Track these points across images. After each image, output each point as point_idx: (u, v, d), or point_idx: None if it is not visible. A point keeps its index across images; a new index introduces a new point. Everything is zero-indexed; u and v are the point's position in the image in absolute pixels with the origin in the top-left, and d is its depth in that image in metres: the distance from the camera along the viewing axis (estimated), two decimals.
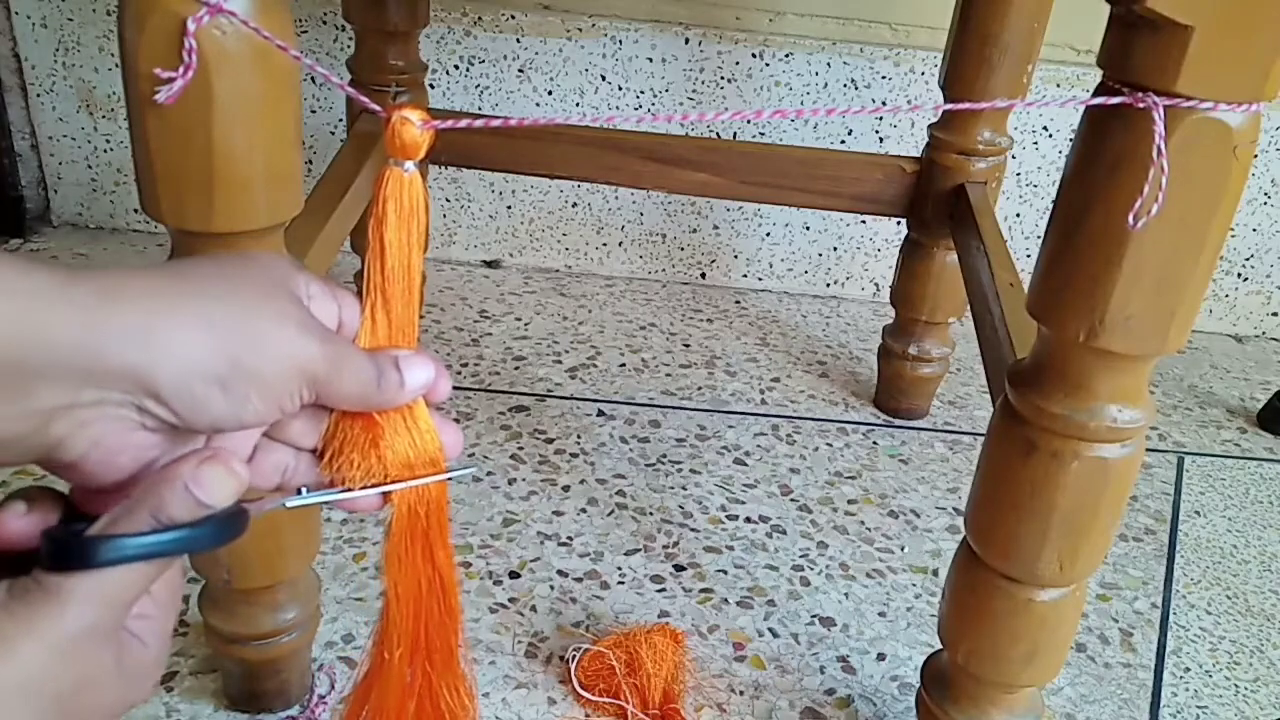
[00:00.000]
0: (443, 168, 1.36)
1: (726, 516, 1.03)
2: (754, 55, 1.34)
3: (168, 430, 0.34)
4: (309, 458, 0.40)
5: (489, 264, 1.48)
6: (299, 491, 0.40)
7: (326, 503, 0.41)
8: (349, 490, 0.41)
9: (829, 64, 1.35)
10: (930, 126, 1.09)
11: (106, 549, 0.32)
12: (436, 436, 0.42)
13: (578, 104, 1.38)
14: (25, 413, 0.31)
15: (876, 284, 1.48)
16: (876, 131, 1.38)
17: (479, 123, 0.43)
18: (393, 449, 0.41)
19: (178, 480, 0.34)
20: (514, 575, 0.92)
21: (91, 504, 0.35)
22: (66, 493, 0.36)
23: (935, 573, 0.98)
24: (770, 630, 0.89)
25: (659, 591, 0.92)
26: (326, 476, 0.41)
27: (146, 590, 0.34)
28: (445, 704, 0.46)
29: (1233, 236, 1.43)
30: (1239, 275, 1.47)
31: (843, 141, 1.38)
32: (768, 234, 1.45)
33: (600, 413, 1.17)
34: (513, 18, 1.33)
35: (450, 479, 0.42)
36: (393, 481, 0.41)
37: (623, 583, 0.93)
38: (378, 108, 0.43)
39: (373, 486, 0.41)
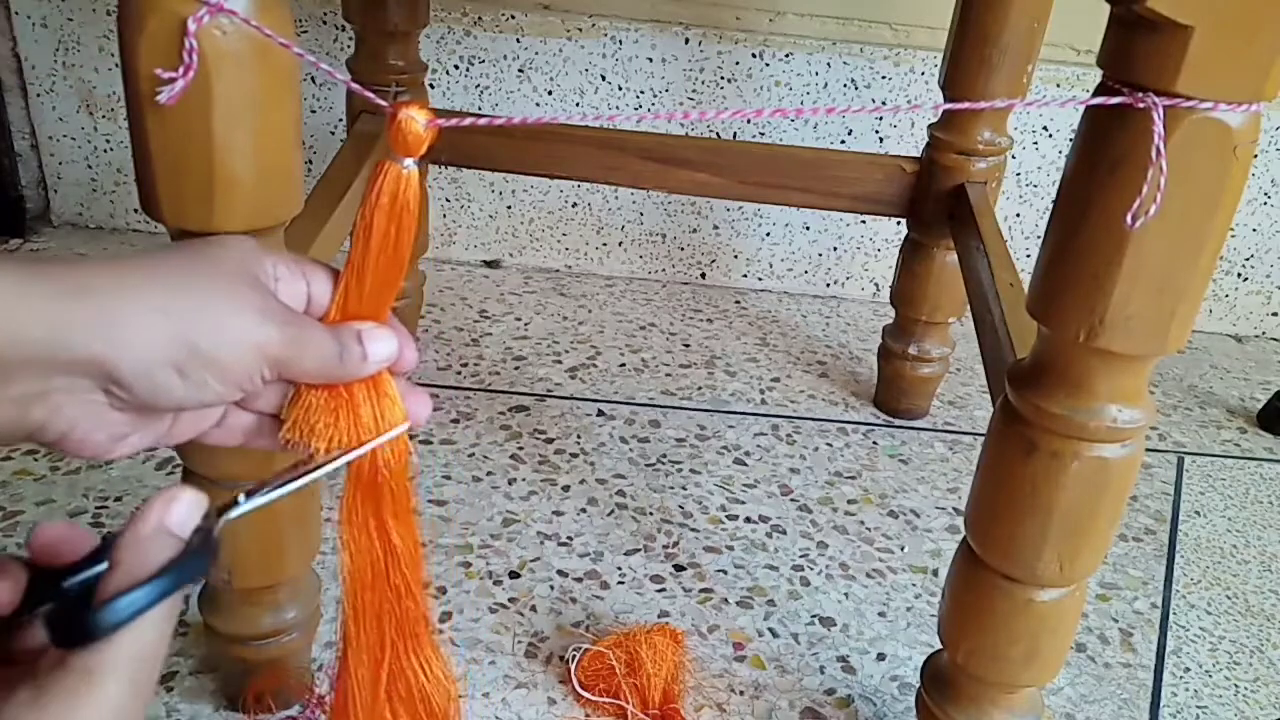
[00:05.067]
0: (443, 167, 1.37)
1: (726, 516, 1.03)
2: (754, 55, 1.34)
3: (135, 409, 0.36)
4: (272, 419, 0.42)
5: (489, 264, 1.48)
6: (249, 495, 0.40)
7: (279, 498, 0.40)
8: (295, 479, 0.40)
9: (829, 64, 1.35)
10: (930, 126, 1.09)
11: (114, 611, 0.32)
12: (400, 404, 0.42)
13: (578, 104, 1.38)
14: (3, 400, 0.33)
15: (876, 284, 1.48)
16: (876, 131, 1.38)
17: (482, 122, 0.43)
18: (356, 416, 0.41)
19: (157, 524, 0.35)
20: (514, 575, 0.92)
21: (47, 556, 0.35)
22: (26, 556, 0.36)
23: (935, 573, 0.98)
24: (770, 630, 0.89)
25: (659, 591, 0.92)
26: (288, 442, 0.41)
27: (170, 637, 0.34)
28: (418, 681, 0.46)
29: (1233, 236, 1.43)
30: (1239, 275, 1.47)
31: (843, 141, 1.38)
32: (768, 234, 1.45)
33: (600, 413, 1.17)
34: (513, 18, 1.33)
35: (384, 441, 0.42)
36: (348, 450, 0.41)
37: (623, 583, 0.93)
38: (383, 103, 0.43)
39: (323, 465, 0.41)
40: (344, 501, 0.43)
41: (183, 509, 0.35)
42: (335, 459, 0.41)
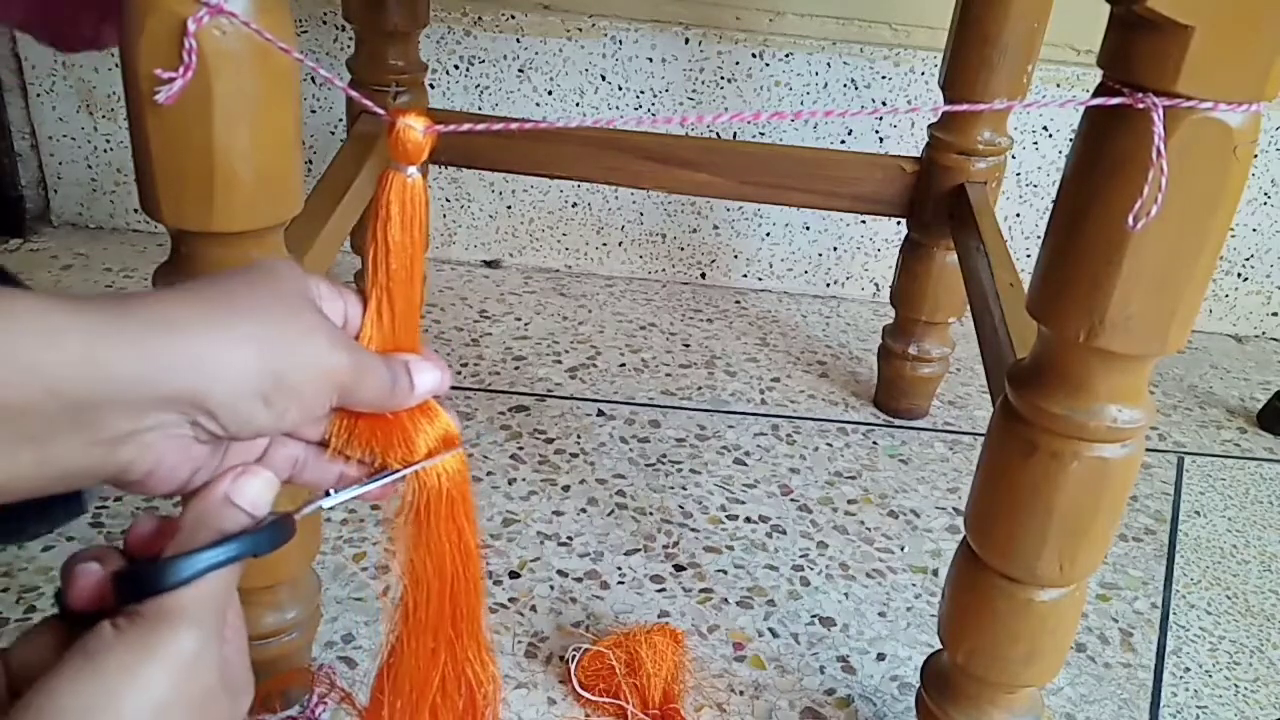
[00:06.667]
0: (443, 168, 1.37)
1: (726, 516, 1.03)
2: (754, 55, 1.34)
3: (215, 441, 0.37)
4: (316, 449, 0.42)
5: (489, 264, 1.48)
6: (327, 494, 0.42)
7: (355, 498, 0.43)
8: (373, 481, 0.42)
9: (829, 64, 1.35)
10: (930, 126, 1.09)
11: (185, 566, 0.34)
12: (445, 417, 0.43)
13: (578, 104, 1.38)
14: (94, 442, 0.33)
15: (876, 284, 1.48)
16: (876, 131, 1.38)
17: (480, 127, 0.43)
18: (404, 430, 0.42)
19: (221, 495, 0.37)
20: (514, 575, 0.92)
21: (144, 549, 0.38)
22: (122, 546, 0.38)
23: (935, 573, 0.98)
24: (770, 630, 0.89)
25: (659, 591, 0.92)
26: (335, 467, 0.42)
27: (230, 600, 0.36)
28: (470, 670, 0.47)
29: (1233, 236, 1.43)
30: (1239, 275, 1.47)
31: (843, 141, 1.38)
32: (768, 234, 1.45)
33: (600, 413, 1.17)
34: (513, 18, 1.33)
35: (443, 460, 0.43)
36: (407, 464, 0.42)
37: (623, 583, 0.93)
38: (382, 111, 0.43)
39: (393, 472, 0.42)
40: (415, 509, 0.44)
41: (253, 487, 0.37)
42: (412, 467, 0.42)
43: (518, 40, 1.34)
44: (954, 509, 1.07)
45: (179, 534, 0.36)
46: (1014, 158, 1.38)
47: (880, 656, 0.88)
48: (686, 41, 1.34)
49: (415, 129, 0.40)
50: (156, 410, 0.34)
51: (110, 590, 0.35)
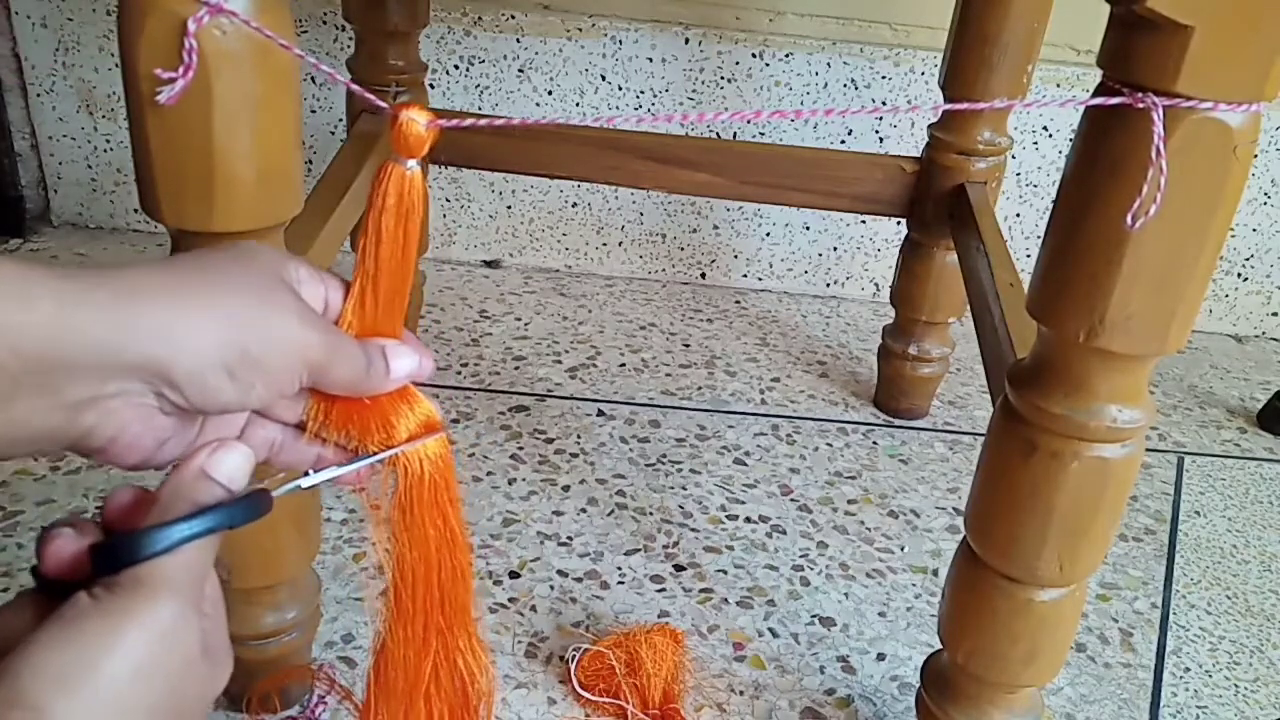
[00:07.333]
0: (443, 167, 1.37)
1: (726, 516, 1.03)
2: (754, 55, 1.34)
3: (180, 413, 0.37)
4: (294, 431, 0.43)
5: (489, 264, 1.48)
6: (306, 474, 0.42)
7: (334, 480, 0.43)
8: (355, 461, 0.42)
9: (829, 64, 1.35)
10: (930, 126, 1.09)
11: (161, 537, 0.34)
12: (426, 403, 0.44)
13: (578, 104, 1.38)
14: (57, 405, 0.34)
15: (876, 284, 1.48)
16: (876, 131, 1.38)
17: (482, 122, 0.44)
18: (382, 413, 0.42)
19: (197, 468, 0.37)
20: (514, 575, 0.92)
21: (121, 522, 0.38)
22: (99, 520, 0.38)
23: (935, 573, 0.98)
24: (770, 630, 0.89)
25: (659, 591, 0.92)
26: (312, 450, 0.43)
27: (208, 572, 0.37)
28: (462, 661, 0.47)
29: (1233, 236, 1.43)
30: (1239, 275, 1.47)
31: (843, 141, 1.38)
32: (768, 234, 1.45)
33: (600, 413, 1.17)
34: (513, 18, 1.33)
35: (424, 444, 0.43)
36: (387, 448, 0.43)
37: (623, 583, 0.93)
38: (384, 104, 0.43)
39: (374, 454, 0.42)
40: (398, 495, 0.44)
41: (229, 461, 0.38)
42: (392, 450, 0.43)
43: (518, 40, 1.34)
44: (954, 509, 1.07)
45: (156, 506, 0.36)
46: (1014, 158, 1.38)
47: (880, 656, 0.88)
48: (686, 41, 1.34)
49: (418, 122, 0.40)
50: (120, 378, 0.34)
51: (87, 562, 0.35)
